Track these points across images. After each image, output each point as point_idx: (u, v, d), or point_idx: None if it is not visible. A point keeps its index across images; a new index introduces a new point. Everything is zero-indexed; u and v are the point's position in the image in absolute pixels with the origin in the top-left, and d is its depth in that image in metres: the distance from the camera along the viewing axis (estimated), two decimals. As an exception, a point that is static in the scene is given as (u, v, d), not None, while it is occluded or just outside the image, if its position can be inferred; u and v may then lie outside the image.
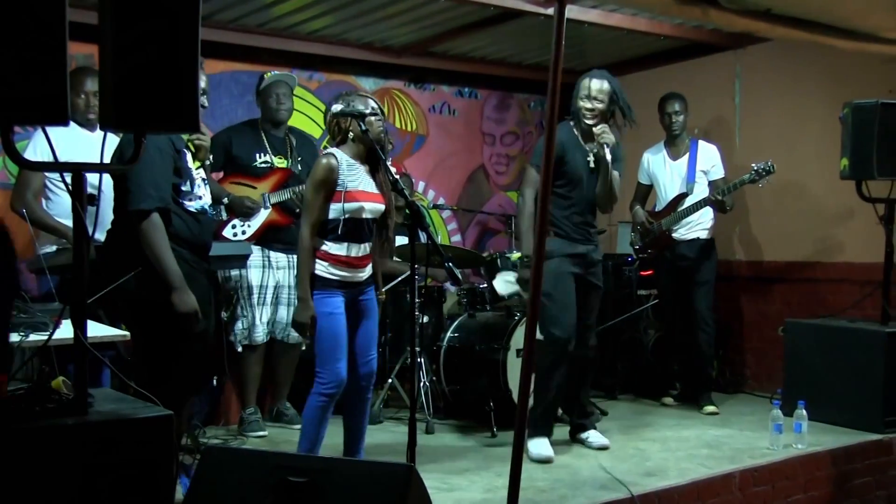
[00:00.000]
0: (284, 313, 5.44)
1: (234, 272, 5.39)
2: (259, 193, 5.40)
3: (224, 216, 5.33)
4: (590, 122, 4.80)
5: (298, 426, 5.39)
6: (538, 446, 4.76)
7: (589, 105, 4.80)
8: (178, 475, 2.87)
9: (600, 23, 5.97)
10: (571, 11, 5.16)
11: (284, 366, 5.62)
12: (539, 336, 5.21)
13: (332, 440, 4.34)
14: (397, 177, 4.05)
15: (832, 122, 5.53)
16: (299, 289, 4.07)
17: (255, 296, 5.37)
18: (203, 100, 4.02)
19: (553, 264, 4.74)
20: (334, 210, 4.07)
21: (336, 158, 4.09)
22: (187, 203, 3.94)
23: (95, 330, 3.20)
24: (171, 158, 3.83)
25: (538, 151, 4.77)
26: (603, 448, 4.95)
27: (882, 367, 5.26)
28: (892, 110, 5.23)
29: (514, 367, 5.35)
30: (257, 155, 5.46)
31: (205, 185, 4.06)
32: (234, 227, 5.40)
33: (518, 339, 5.38)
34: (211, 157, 4.14)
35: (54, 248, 4.55)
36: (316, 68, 6.71)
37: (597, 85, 4.80)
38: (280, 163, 5.52)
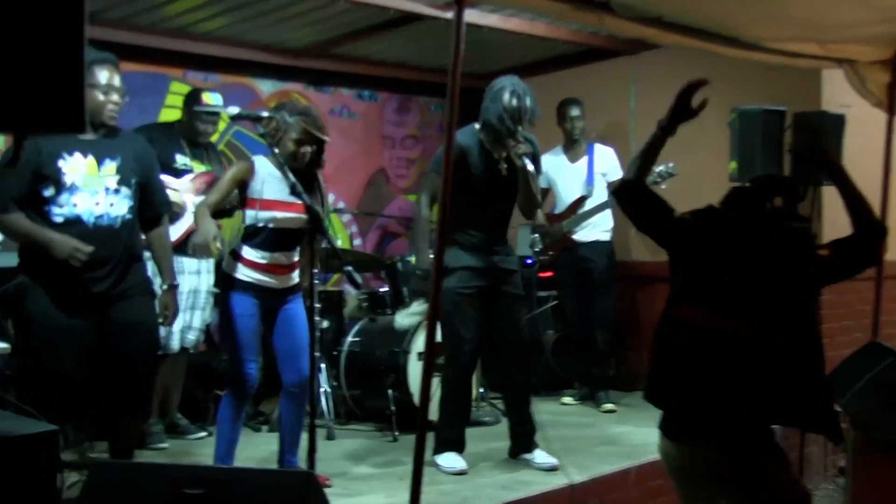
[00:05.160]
0: (188, 317, 5.32)
1: None
2: (180, 197, 5.23)
3: None
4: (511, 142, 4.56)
5: (194, 436, 5.38)
6: (449, 460, 4.61)
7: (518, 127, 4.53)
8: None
9: (499, 27, 6.01)
10: (471, 15, 5.20)
11: (174, 374, 5.38)
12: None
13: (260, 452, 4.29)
14: (295, 181, 3.99)
15: (722, 126, 5.69)
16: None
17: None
18: (114, 97, 3.89)
19: (452, 281, 4.56)
20: (249, 217, 4.14)
21: (257, 165, 4.15)
22: (54, 210, 3.77)
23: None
24: (25, 163, 3.67)
25: (438, 158, 4.50)
26: (553, 469, 4.59)
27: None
28: (773, 116, 5.42)
29: (415, 370, 5.36)
30: (176, 155, 5.26)
31: (105, 193, 3.88)
32: None
33: (419, 342, 5.40)
34: None
35: None
36: (212, 70, 6.60)
37: (526, 106, 4.52)
38: (199, 167, 5.39)
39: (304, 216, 4.06)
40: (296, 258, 4.24)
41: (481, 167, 4.64)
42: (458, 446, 4.69)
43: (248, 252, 4.14)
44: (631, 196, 3.31)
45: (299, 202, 4.02)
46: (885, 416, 4.47)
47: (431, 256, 4.36)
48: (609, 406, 6.11)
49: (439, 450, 4.65)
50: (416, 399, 5.06)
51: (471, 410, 4.92)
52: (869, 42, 4.85)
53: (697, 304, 2.99)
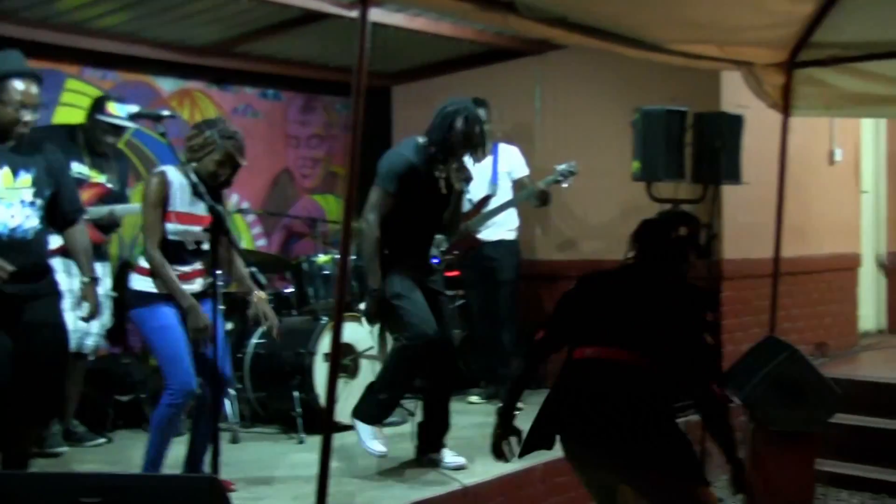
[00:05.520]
0: (81, 323, 5.15)
1: None
2: None
3: None
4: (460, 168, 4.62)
5: (92, 443, 5.22)
6: (375, 440, 4.60)
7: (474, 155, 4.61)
8: None
9: (405, 26, 6.00)
10: (375, 15, 5.13)
11: (71, 379, 5.08)
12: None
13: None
14: (198, 181, 3.91)
15: (625, 125, 5.78)
16: (183, 300, 4.04)
17: (66, 301, 5.04)
18: (25, 114, 3.73)
19: (395, 273, 4.56)
20: (167, 230, 4.07)
21: (169, 176, 4.07)
22: None
23: None
24: None
25: (384, 172, 4.56)
26: (460, 468, 4.63)
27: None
28: (675, 116, 5.54)
29: (321, 371, 5.32)
30: (73, 163, 5.01)
31: (21, 205, 3.77)
32: None
33: (325, 343, 5.36)
34: None
35: None
36: (110, 67, 6.41)
37: (477, 134, 4.54)
38: (96, 177, 5.22)
39: (205, 227, 4.07)
40: (201, 265, 4.20)
41: (425, 184, 4.61)
42: (381, 419, 4.66)
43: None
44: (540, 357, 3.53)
45: (205, 214, 4.02)
46: (782, 408, 4.60)
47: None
48: (515, 404, 6.15)
49: (361, 412, 4.62)
50: (322, 401, 5.02)
51: (404, 394, 4.84)
52: (764, 45, 4.98)
53: (592, 343, 3.21)
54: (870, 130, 8.36)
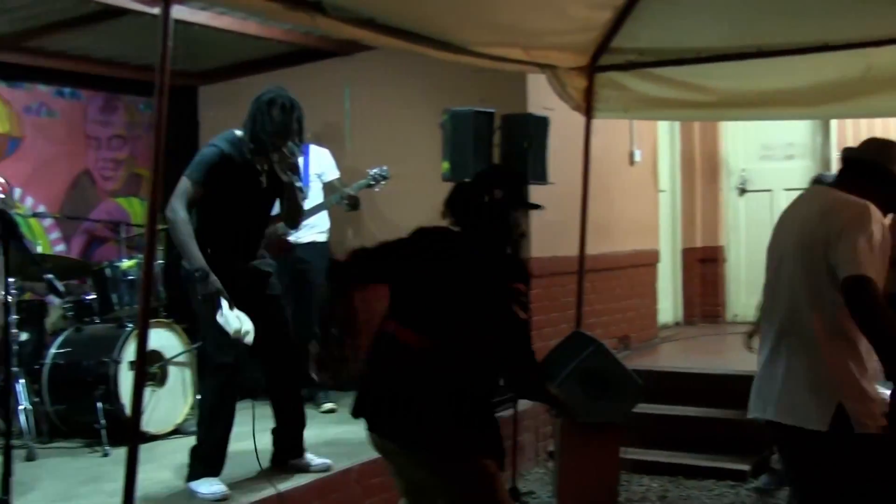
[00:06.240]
0: None
1: None
2: None
3: None
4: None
5: None
6: (209, 485, 4.24)
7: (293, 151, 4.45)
8: None
9: (210, 25, 5.85)
10: (179, 12, 4.96)
11: None
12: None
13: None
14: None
15: (434, 127, 5.84)
16: None
17: None
18: None
19: (207, 286, 4.27)
20: None
21: None
22: None
23: None
24: None
25: (195, 162, 4.35)
26: (326, 469, 4.60)
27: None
28: (483, 117, 5.63)
29: (126, 380, 5.13)
30: None
31: None
32: None
33: (130, 351, 5.16)
34: None
35: None
36: None
37: (293, 120, 4.41)
38: None
39: None
40: None
41: (242, 177, 4.43)
42: (217, 470, 4.34)
43: None
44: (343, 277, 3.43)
45: None
46: (588, 400, 4.77)
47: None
48: (329, 406, 6.13)
49: (196, 474, 4.31)
50: (129, 410, 4.83)
51: (232, 428, 4.48)
52: (566, 49, 5.16)
53: (399, 319, 3.07)
54: (665, 132, 8.80)
